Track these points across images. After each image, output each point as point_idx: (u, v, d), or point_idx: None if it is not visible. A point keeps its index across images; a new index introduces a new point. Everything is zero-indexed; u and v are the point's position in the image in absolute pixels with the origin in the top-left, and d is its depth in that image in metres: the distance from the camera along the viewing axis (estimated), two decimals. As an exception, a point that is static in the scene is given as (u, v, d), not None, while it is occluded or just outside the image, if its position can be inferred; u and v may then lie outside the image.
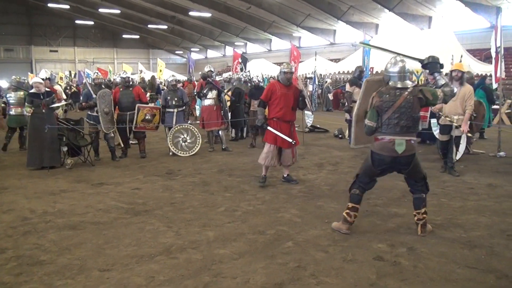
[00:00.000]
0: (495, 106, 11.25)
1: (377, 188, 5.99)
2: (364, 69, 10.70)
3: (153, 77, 19.19)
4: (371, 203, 5.47)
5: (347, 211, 4.40)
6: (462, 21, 23.87)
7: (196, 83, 16.13)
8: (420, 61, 4.50)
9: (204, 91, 9.28)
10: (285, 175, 6.68)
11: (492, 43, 8.67)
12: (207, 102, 9.31)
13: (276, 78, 7.14)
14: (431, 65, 4.41)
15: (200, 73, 9.44)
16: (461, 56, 11.48)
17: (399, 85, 4.21)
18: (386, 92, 4.22)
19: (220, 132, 9.59)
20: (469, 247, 4.02)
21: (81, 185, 6.56)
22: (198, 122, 12.72)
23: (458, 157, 7.32)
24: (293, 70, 6.48)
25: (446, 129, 6.97)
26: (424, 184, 4.39)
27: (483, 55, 17.83)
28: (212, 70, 9.72)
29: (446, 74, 7.62)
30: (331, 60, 24.93)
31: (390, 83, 4.26)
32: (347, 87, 9.76)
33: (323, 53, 27.60)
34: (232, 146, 9.86)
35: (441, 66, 4.37)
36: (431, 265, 3.66)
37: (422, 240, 4.20)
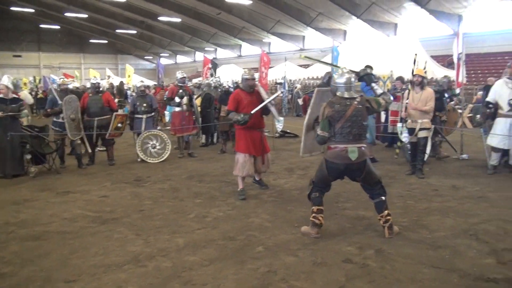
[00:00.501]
0: (458, 111, 11.59)
1: (346, 191, 6.12)
2: (333, 74, 10.85)
3: (121, 83, 18.92)
4: (340, 206, 5.54)
5: (314, 215, 4.45)
6: (426, 28, 24.62)
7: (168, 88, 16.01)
8: (356, 73, 4.79)
9: (171, 102, 9.26)
10: (257, 178, 6.59)
11: (454, 49, 8.97)
12: (179, 107, 9.26)
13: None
14: (368, 77, 4.79)
15: (176, 79, 9.40)
16: (426, 62, 11.79)
17: (346, 95, 4.41)
18: (336, 102, 4.39)
19: (189, 137, 9.54)
20: (434, 248, 4.12)
21: (45, 194, 6.38)
22: (168, 128, 12.59)
23: (425, 158, 7.50)
24: (255, 76, 6.35)
25: (413, 131, 7.20)
26: (381, 187, 4.50)
27: (446, 61, 18.40)
28: (185, 76, 9.69)
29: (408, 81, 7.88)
30: (301, 65, 25.23)
31: (337, 94, 4.45)
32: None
33: (292, 59, 27.88)
34: (202, 152, 9.81)
35: (375, 76, 4.84)
36: (397, 266, 3.73)
37: (389, 242, 4.28)
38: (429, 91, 7.13)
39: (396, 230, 4.47)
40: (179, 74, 9.56)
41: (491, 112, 7.40)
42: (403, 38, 18.81)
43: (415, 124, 7.14)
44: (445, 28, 23.48)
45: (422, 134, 7.10)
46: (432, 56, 16.65)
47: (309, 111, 4.87)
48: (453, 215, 5.09)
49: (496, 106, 7.24)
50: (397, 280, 3.51)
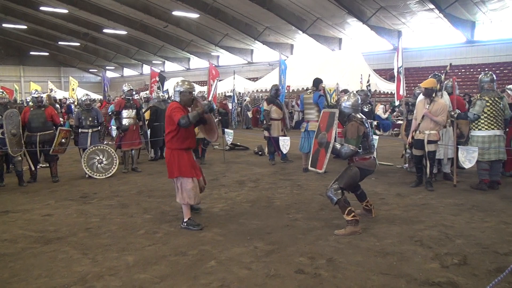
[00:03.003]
0: (399, 122, 12.09)
1: (297, 202, 6.20)
2: (281, 87, 11.04)
3: (49, 97, 17.89)
4: (291, 217, 5.60)
5: (353, 214, 4.91)
6: (368, 43, 25.69)
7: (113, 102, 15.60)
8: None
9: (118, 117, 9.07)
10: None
11: (395, 63, 9.39)
12: (125, 121, 9.06)
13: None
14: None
15: (123, 92, 9.24)
16: (369, 76, 12.28)
17: (359, 116, 5.16)
18: (365, 121, 5.13)
19: (133, 151, 9.33)
20: (382, 255, 4.25)
21: (-18, 214, 5.99)
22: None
23: (434, 171, 7.52)
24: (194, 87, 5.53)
25: (418, 143, 7.04)
26: None
27: (387, 74, 19.25)
28: (132, 88, 9.52)
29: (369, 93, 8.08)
30: (249, 78, 25.52)
31: (355, 114, 5.14)
32: (265, 106, 9.98)
33: (241, 72, 28.18)
34: (151, 166, 9.61)
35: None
36: (348, 274, 3.81)
37: (340, 251, 4.38)
38: (440, 103, 6.88)
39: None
40: (125, 87, 9.38)
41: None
42: (347, 52, 19.49)
43: (422, 135, 6.96)
44: (386, 43, 24.63)
45: (430, 148, 6.92)
46: (374, 70, 17.38)
47: (334, 131, 5.11)
48: (399, 223, 5.29)
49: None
50: (348, 288, 3.58)
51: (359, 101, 5.27)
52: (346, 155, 5.05)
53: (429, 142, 6.92)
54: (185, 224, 5.18)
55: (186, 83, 5.31)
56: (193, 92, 5.29)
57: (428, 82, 7.02)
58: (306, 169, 8.83)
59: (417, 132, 7.07)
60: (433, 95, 6.92)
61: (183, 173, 5.15)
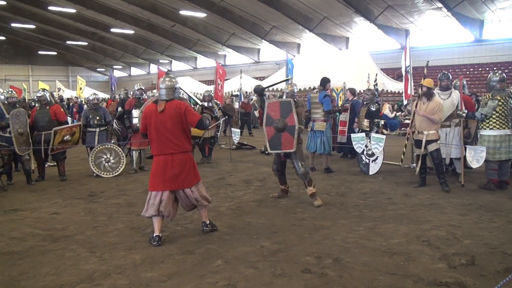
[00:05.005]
0: (406, 121, 11.99)
1: (303, 202, 6.20)
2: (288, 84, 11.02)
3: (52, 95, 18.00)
4: (298, 217, 5.59)
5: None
6: (376, 42, 25.56)
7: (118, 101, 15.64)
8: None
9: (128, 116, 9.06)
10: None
11: (402, 62, 9.33)
12: (136, 121, 9.07)
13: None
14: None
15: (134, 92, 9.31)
16: (376, 75, 12.22)
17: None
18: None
19: (140, 150, 9.34)
20: (389, 255, 4.23)
21: (-9, 212, 6.04)
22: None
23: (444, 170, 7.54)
24: None
25: (418, 143, 7.07)
26: None
27: (395, 73, 19.11)
28: (143, 88, 9.55)
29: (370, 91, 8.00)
30: (256, 78, 25.45)
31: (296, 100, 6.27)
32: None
33: (248, 71, 28.14)
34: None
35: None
36: (355, 274, 3.80)
37: (347, 250, 4.36)
38: (436, 102, 6.95)
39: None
40: (136, 86, 9.43)
41: None
42: (354, 52, 19.40)
43: (421, 135, 6.99)
44: (393, 43, 24.49)
45: (432, 147, 6.93)
46: (381, 69, 17.26)
47: (295, 116, 6.07)
48: (406, 222, 5.26)
49: None
50: (355, 288, 3.57)
51: (296, 89, 6.55)
52: (298, 134, 6.08)
53: (429, 142, 6.93)
54: (210, 226, 5.03)
55: (172, 79, 4.80)
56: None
57: (429, 81, 7.09)
58: (313, 168, 8.80)
59: (416, 132, 7.11)
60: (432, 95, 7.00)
61: (199, 176, 4.97)
